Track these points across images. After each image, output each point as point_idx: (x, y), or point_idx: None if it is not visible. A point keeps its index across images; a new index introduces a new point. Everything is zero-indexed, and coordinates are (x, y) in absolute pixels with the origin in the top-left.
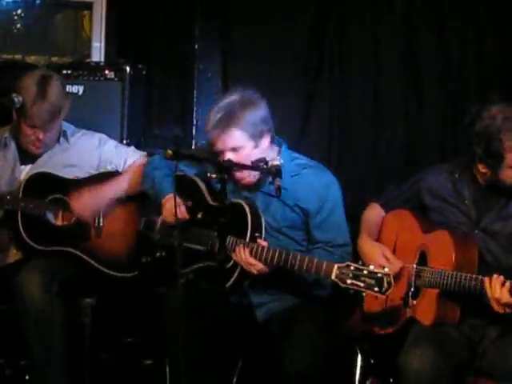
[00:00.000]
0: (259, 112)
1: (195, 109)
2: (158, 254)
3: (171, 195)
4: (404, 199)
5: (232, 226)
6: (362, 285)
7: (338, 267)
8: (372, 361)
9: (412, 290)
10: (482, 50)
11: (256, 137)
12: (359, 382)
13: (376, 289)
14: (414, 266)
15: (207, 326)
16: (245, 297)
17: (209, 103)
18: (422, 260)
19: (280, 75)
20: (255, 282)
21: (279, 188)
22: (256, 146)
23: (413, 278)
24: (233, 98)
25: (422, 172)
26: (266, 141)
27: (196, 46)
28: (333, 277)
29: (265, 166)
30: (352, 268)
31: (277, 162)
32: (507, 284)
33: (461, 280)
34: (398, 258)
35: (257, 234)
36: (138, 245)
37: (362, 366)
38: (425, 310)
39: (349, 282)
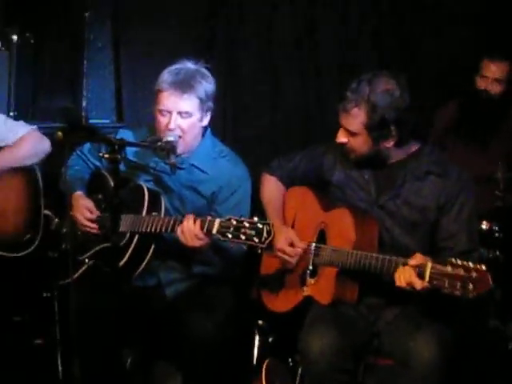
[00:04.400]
0: (213, 87)
1: (85, 80)
2: (63, 247)
3: (79, 193)
4: (302, 173)
5: (129, 206)
6: (243, 237)
7: (220, 221)
8: (270, 339)
9: (310, 268)
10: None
11: (204, 110)
12: (257, 361)
13: (255, 239)
14: (313, 244)
15: (105, 311)
16: (153, 276)
17: (100, 74)
18: (322, 238)
19: (174, 48)
20: (165, 260)
21: (174, 165)
22: (200, 120)
23: (311, 256)
24: (190, 66)
25: (321, 145)
26: (207, 120)
27: (86, 15)
28: (214, 231)
29: (159, 144)
30: (233, 222)
31: (171, 138)
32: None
33: (366, 260)
34: (296, 235)
35: (154, 213)
36: (46, 239)
37: (259, 346)
38: (323, 288)
39: (229, 235)
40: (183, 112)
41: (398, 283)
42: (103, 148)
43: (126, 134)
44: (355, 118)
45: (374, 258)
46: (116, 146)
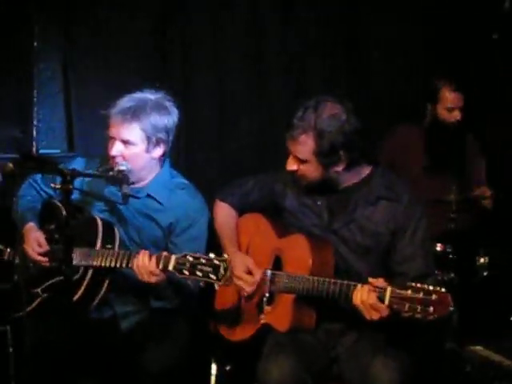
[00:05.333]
0: (166, 120)
1: (35, 109)
2: (15, 278)
3: (30, 225)
4: (255, 198)
5: (83, 238)
6: (199, 274)
7: (176, 258)
8: (228, 368)
9: (266, 295)
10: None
11: (151, 142)
12: None
13: (212, 276)
14: (268, 271)
15: (59, 344)
16: (108, 308)
17: (50, 103)
18: (277, 265)
19: (126, 72)
20: (121, 293)
21: (125, 194)
22: (147, 151)
23: (267, 283)
24: (149, 96)
25: (272, 172)
26: (159, 151)
27: (35, 44)
28: (170, 267)
29: (111, 173)
30: (190, 258)
31: (123, 168)
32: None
33: (324, 285)
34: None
35: (108, 246)
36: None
37: (216, 375)
38: (280, 316)
39: (186, 272)
40: (125, 140)
41: (355, 302)
42: (56, 178)
43: (78, 164)
44: (303, 146)
45: (331, 283)
46: (68, 177)
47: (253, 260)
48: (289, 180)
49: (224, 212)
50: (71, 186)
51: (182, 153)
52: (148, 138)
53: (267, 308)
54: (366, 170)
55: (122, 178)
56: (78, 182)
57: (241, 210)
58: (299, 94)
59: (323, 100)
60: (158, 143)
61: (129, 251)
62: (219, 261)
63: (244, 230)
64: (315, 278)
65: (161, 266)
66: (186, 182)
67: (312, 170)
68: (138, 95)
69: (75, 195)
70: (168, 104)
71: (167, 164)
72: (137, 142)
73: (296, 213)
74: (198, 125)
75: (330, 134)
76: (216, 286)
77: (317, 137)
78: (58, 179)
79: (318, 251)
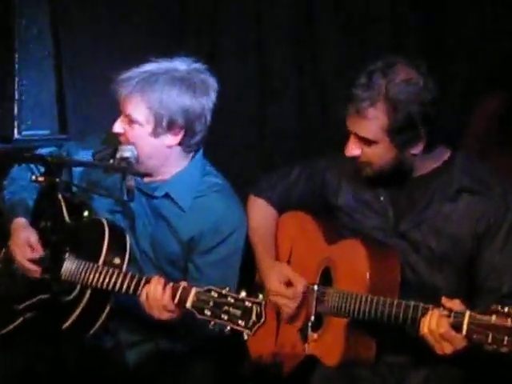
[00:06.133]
0: (186, 100)
1: (17, 79)
2: None
3: (20, 221)
4: (300, 193)
5: (83, 247)
6: (224, 317)
7: (197, 292)
8: None
9: (312, 319)
10: None
11: (161, 125)
12: None
13: (241, 322)
14: (315, 287)
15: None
16: (111, 336)
17: (35, 71)
18: (327, 279)
19: (136, 33)
20: (124, 320)
21: (131, 189)
22: (154, 135)
23: (313, 303)
24: (179, 66)
25: (325, 157)
26: (172, 138)
27: None
28: (188, 304)
29: (111, 161)
30: (214, 294)
31: (127, 154)
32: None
33: (386, 307)
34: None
35: (116, 261)
36: None
37: None
38: (329, 345)
39: (207, 312)
40: (127, 115)
41: (422, 331)
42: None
43: (72, 148)
44: (372, 121)
45: (395, 305)
46: (53, 166)
47: (294, 271)
48: (344, 169)
49: (260, 211)
50: (57, 179)
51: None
52: (156, 119)
53: (313, 335)
54: (444, 155)
55: (125, 168)
56: (77, 171)
57: (281, 208)
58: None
59: (393, 62)
60: (170, 128)
61: (140, 275)
62: (252, 303)
63: (285, 233)
64: (374, 297)
65: (176, 300)
66: (222, 182)
67: (382, 154)
68: (162, 63)
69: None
70: (200, 81)
71: (199, 158)
72: (141, 122)
73: (352, 212)
74: (231, 106)
75: (406, 105)
76: (245, 336)
77: (390, 108)
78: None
79: (379, 261)
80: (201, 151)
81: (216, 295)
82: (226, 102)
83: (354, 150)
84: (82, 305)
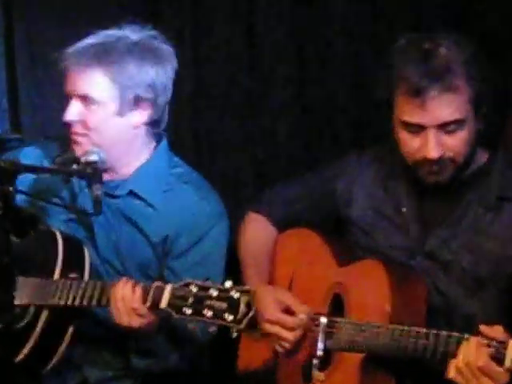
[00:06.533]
0: (149, 69)
1: None
2: None
3: None
4: (304, 207)
5: (35, 264)
6: (209, 314)
7: (173, 289)
8: None
9: (319, 354)
10: None
11: (126, 101)
12: None
13: (228, 316)
14: (323, 318)
15: None
16: (74, 371)
17: None
18: (337, 309)
19: (104, 8)
20: (92, 349)
21: (98, 199)
22: (120, 114)
23: (320, 336)
24: (128, 33)
25: (335, 163)
26: (139, 116)
27: None
28: (163, 304)
29: (75, 167)
30: (194, 289)
31: (93, 158)
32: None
33: (410, 339)
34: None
35: (72, 275)
36: None
37: None
38: None
39: (187, 311)
40: (84, 96)
41: (457, 365)
42: None
43: (26, 152)
44: (459, 96)
45: (422, 336)
46: (7, 173)
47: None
48: (358, 177)
49: (255, 228)
50: (11, 188)
51: (187, 135)
52: (121, 94)
53: (319, 375)
54: (481, 156)
55: (91, 174)
56: (25, 179)
57: (283, 226)
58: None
59: (446, 36)
60: (137, 103)
61: (104, 282)
62: (240, 292)
63: (285, 254)
64: (397, 327)
65: (149, 302)
66: (190, 171)
67: (468, 136)
68: (111, 32)
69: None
70: (159, 47)
71: (163, 145)
72: (102, 98)
73: (367, 226)
74: (214, 92)
75: (480, 80)
76: (233, 333)
77: (468, 78)
78: None
79: (401, 287)
80: (164, 140)
81: (196, 289)
82: None
83: (435, 150)
84: (37, 330)
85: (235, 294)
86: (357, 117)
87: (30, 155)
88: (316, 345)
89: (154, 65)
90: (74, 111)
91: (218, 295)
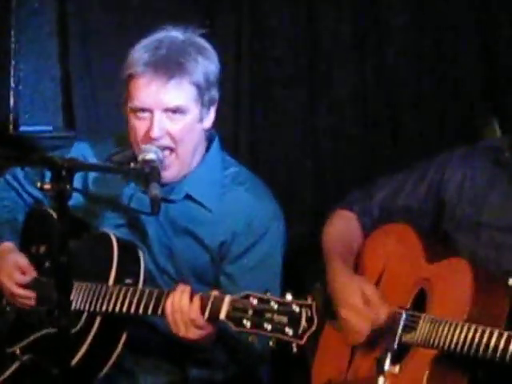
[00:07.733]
0: (215, 67)
1: (13, 62)
2: None
3: (7, 245)
4: (410, 200)
5: (88, 269)
6: (268, 327)
7: (232, 300)
8: None
9: (394, 347)
10: None
11: (205, 104)
12: None
13: (288, 330)
14: (403, 311)
15: None
16: (126, 378)
17: (36, 53)
18: (420, 303)
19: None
20: (146, 356)
21: (156, 199)
22: (200, 120)
23: (399, 329)
24: (177, 35)
25: (443, 153)
26: (210, 119)
27: None
28: (222, 316)
29: (132, 166)
30: (254, 301)
31: (150, 156)
32: None
33: (484, 337)
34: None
35: (128, 281)
36: None
37: None
38: (410, 382)
39: (247, 323)
40: (172, 109)
41: None
42: (45, 174)
43: (80, 150)
44: None
45: (504, 338)
46: (62, 171)
47: (383, 293)
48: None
49: (343, 221)
50: (68, 186)
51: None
52: (201, 99)
53: (391, 368)
54: None
55: (149, 174)
56: (78, 178)
57: (372, 226)
58: None
59: None
60: (210, 106)
61: (160, 290)
62: (301, 306)
63: (378, 250)
64: (473, 325)
65: (207, 314)
66: (244, 171)
67: None
68: (162, 36)
69: (76, 200)
70: (204, 43)
71: (216, 148)
72: (190, 108)
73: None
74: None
75: None
76: (294, 348)
77: None
78: (48, 175)
79: (484, 290)
80: (217, 140)
81: (255, 302)
82: None
83: None
84: (90, 336)
85: (296, 308)
86: None
87: (83, 153)
88: (393, 338)
89: (213, 63)
90: (162, 127)
91: (279, 309)
